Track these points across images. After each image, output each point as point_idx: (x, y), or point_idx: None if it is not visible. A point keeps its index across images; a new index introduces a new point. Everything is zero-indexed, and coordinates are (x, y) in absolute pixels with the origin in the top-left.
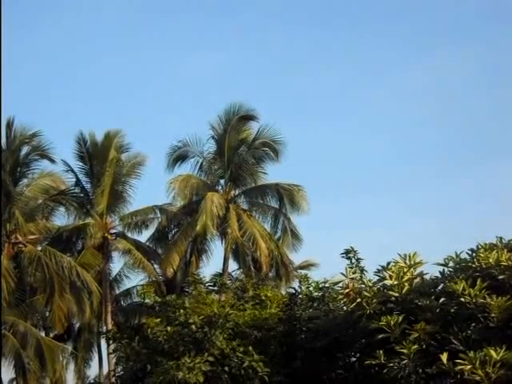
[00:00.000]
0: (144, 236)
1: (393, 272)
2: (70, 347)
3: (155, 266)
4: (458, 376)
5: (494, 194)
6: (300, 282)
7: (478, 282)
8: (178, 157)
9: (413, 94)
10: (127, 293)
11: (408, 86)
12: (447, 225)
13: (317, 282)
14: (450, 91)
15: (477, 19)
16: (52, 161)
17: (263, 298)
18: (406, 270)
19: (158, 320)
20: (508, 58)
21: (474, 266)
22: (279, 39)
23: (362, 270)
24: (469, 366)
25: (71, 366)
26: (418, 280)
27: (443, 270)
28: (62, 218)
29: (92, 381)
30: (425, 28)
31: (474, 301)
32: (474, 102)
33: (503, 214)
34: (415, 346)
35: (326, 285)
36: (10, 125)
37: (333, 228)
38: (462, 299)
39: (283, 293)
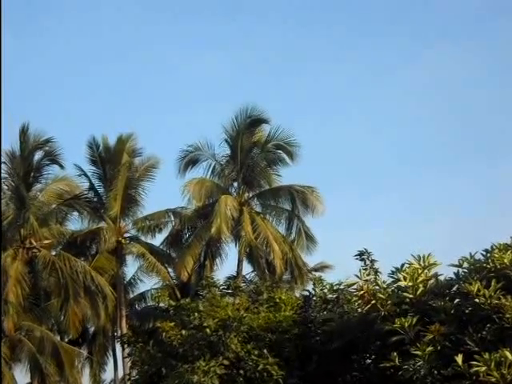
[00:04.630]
0: (158, 240)
1: (407, 273)
2: (84, 351)
3: (169, 269)
4: (474, 378)
5: (496, 194)
6: (314, 284)
7: (493, 283)
8: (190, 161)
9: (415, 93)
10: (141, 297)
11: (409, 84)
12: (451, 224)
13: (331, 284)
14: (451, 89)
15: (477, 16)
16: (61, 166)
17: (277, 300)
18: (420, 271)
19: (173, 324)
20: (508, 55)
21: (488, 266)
22: (278, 41)
23: (376, 272)
24: (484, 368)
25: (86, 371)
26: (432, 281)
27: (458, 271)
28: (75, 223)
29: None
30: (425, 26)
31: (488, 302)
32: (475, 99)
33: (504, 215)
34: (430, 348)
35: (341, 287)
36: (24, 130)
37: (347, 229)
38: (477, 300)
39: (297, 295)
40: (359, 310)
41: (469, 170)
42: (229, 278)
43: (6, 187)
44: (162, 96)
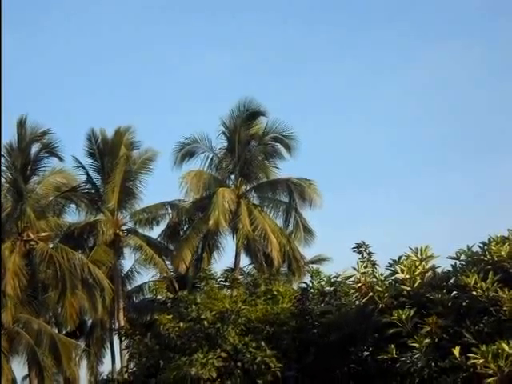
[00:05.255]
0: (155, 232)
1: (404, 266)
2: (82, 344)
3: (167, 262)
4: (471, 370)
5: (496, 193)
6: (312, 276)
7: (490, 275)
8: (186, 153)
9: (415, 93)
10: (139, 289)
11: (409, 84)
12: (451, 223)
13: (329, 277)
14: (451, 89)
15: (479, 15)
16: (60, 159)
17: (275, 293)
18: (417, 263)
19: (171, 316)
20: (508, 55)
21: (485, 259)
22: (278, 41)
23: (374, 264)
24: (481, 360)
25: (84, 363)
26: (429, 274)
27: (455, 263)
28: (73, 215)
29: (105, 377)
30: (427, 25)
31: (485, 294)
32: (475, 99)
33: (504, 214)
34: (427, 340)
35: (338, 279)
36: (21, 123)
37: (346, 228)
38: (474, 292)
39: (295, 288)
40: (357, 302)
41: (469, 169)
42: (226, 270)
43: (3, 180)
44: (161, 96)
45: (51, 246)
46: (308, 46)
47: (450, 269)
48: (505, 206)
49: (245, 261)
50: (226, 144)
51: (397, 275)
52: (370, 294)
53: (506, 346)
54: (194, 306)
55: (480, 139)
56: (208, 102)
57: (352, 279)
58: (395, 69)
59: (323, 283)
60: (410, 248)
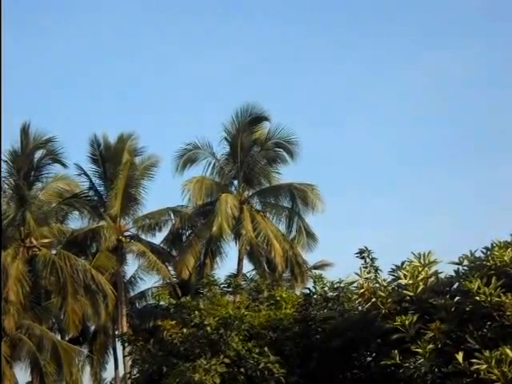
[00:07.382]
0: (158, 238)
1: (407, 271)
2: (85, 350)
3: (169, 267)
4: (474, 375)
5: (496, 194)
6: (315, 282)
7: (493, 281)
8: (188, 159)
9: (415, 93)
10: (142, 295)
11: (409, 84)
12: (451, 224)
13: (331, 282)
14: (451, 89)
15: (477, 17)
16: (64, 166)
17: (278, 298)
18: (420, 269)
19: (173, 322)
20: (508, 56)
21: (488, 264)
22: (280, 39)
23: (377, 270)
24: (485, 366)
25: (87, 369)
26: (432, 279)
27: (458, 268)
28: (76, 222)
29: (108, 383)
30: (427, 25)
31: (489, 299)
32: (475, 99)
33: (504, 215)
34: (430, 346)
35: (341, 285)
36: (25, 129)
37: (347, 229)
38: (477, 298)
39: (298, 293)
40: (360, 307)
41: (468, 169)
42: (229, 276)
43: (6, 186)
44: (161, 96)
45: (54, 252)
46: (308, 45)
47: (453, 274)
48: (505, 206)
49: (248, 266)
50: (227, 149)
51: (400, 281)
52: (373, 299)
53: (509, 352)
54: (196, 312)
55: (480, 139)
56: (208, 102)
57: (355, 285)
58: (395, 69)
59: (326, 289)
60: (413, 253)
